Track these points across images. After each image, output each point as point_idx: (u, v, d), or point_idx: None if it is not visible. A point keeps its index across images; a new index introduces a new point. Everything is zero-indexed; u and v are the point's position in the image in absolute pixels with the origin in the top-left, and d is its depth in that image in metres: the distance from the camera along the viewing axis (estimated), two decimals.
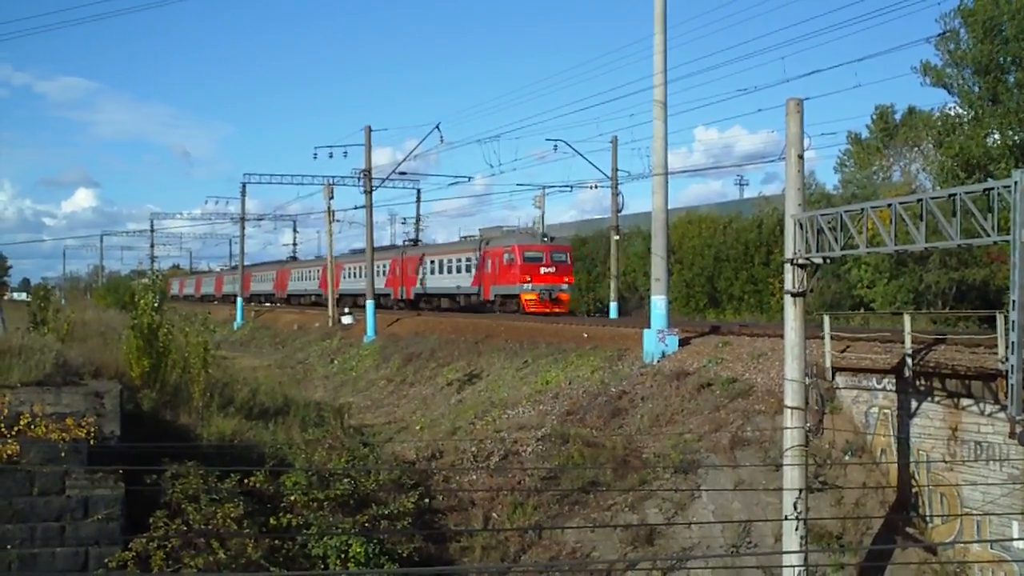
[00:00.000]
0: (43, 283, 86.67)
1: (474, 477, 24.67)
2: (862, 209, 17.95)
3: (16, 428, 17.49)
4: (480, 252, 58.63)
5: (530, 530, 22.08)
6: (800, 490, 18.49)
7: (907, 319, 23.01)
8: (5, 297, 44.47)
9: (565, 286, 54.36)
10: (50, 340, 23.18)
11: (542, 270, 53.43)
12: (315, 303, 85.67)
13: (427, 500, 22.43)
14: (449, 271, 62.52)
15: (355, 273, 75.87)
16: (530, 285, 52.90)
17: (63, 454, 17.17)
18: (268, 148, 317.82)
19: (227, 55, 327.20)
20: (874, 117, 62.38)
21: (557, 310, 52.71)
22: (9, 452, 17.06)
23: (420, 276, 66.23)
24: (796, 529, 18.42)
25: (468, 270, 60.37)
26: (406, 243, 76.90)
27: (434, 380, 41.67)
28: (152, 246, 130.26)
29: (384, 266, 71.59)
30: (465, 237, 65.14)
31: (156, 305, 27.00)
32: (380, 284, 69.05)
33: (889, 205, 17.37)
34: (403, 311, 65.22)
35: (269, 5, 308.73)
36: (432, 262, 65.31)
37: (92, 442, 17.61)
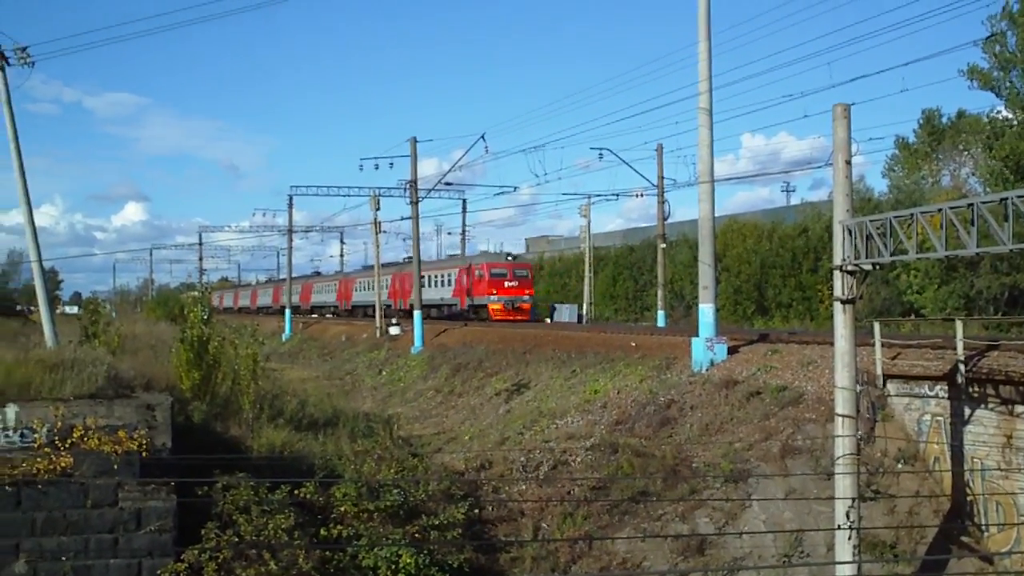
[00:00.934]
0: (94, 297, 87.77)
1: (523, 487, 24.63)
2: (911, 214, 17.79)
3: (69, 441, 17.70)
4: (458, 269, 68.37)
5: (580, 540, 22.02)
6: (852, 499, 18.33)
7: (959, 325, 22.78)
8: (57, 311, 45.18)
9: (526, 297, 64.68)
10: (101, 353, 23.45)
11: (506, 284, 63.56)
12: (334, 313, 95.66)
13: (477, 510, 22.44)
14: (435, 285, 71.04)
15: (365, 287, 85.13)
16: (496, 296, 62.86)
17: (116, 466, 17.35)
18: (315, 160, 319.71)
19: (273, 69, 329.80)
20: (921, 121, 61.84)
21: (519, 318, 62.18)
22: (63, 465, 17.26)
23: (411, 290, 69.61)
24: (849, 538, 18.25)
25: (449, 284, 69.82)
26: (405, 260, 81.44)
27: (482, 390, 41.67)
28: (200, 259, 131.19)
29: (386, 281, 78.89)
30: (450, 256, 73.81)
31: (205, 318, 27.25)
32: (384, 296, 76.87)
33: (939, 210, 17.23)
34: (450, 321, 65.72)
35: (315, 19, 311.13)
36: (423, 277, 69.19)
37: (144, 454, 17.78)
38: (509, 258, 68.01)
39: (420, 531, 19.93)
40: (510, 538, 22.45)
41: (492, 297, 63.01)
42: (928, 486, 22.32)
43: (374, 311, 74.52)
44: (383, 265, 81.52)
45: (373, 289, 78.45)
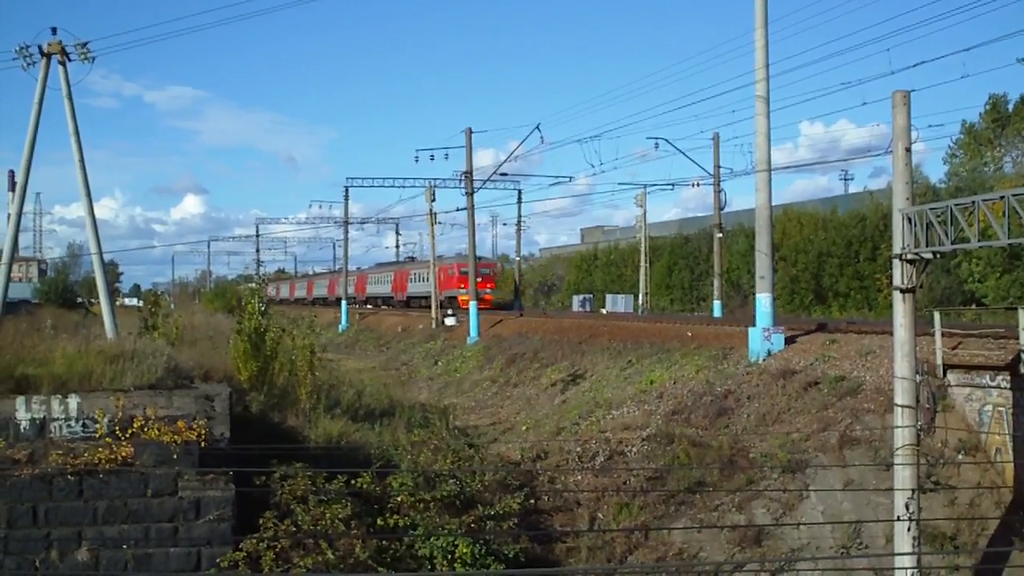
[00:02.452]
0: (153, 289, 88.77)
1: (579, 477, 24.62)
2: (973, 202, 17.52)
3: (130, 431, 17.92)
4: (439, 268, 78.61)
5: (636, 531, 21.98)
6: (912, 490, 18.12)
7: (1021, 314, 22.45)
8: (116, 303, 45.79)
9: (488, 290, 75.97)
10: (161, 344, 23.69)
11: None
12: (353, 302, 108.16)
13: (533, 501, 22.45)
14: (423, 280, 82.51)
15: (375, 281, 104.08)
16: (464, 289, 71.71)
17: (175, 456, 17.52)
18: (371, 152, 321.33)
19: (329, 61, 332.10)
20: (987, 107, 60.94)
21: (483, 306, 68.64)
22: (123, 454, 17.47)
23: (408, 284, 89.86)
24: (908, 530, 18.05)
25: (431, 280, 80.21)
26: (405, 260, 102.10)
27: (538, 380, 41.69)
28: (257, 251, 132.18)
29: (389, 277, 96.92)
30: (439, 257, 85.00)
31: (262, 309, 27.44)
32: (387, 289, 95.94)
33: (1002, 197, 16.94)
34: (504, 312, 66.27)
35: (369, 10, 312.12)
36: (413, 274, 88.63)
37: (203, 444, 17.95)
38: (485, 257, 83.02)
39: (476, 521, 19.96)
40: (566, 528, 22.45)
41: (461, 290, 73.57)
42: (989, 477, 22.04)
43: (382, 301, 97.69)
44: (387, 264, 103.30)
45: (380, 283, 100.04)
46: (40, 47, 31.84)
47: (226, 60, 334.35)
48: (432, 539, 18.86)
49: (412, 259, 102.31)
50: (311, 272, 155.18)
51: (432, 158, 63.14)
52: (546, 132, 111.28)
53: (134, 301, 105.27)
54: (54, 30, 32.11)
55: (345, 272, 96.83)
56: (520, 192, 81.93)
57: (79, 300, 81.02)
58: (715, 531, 21.64)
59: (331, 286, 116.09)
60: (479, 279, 72.40)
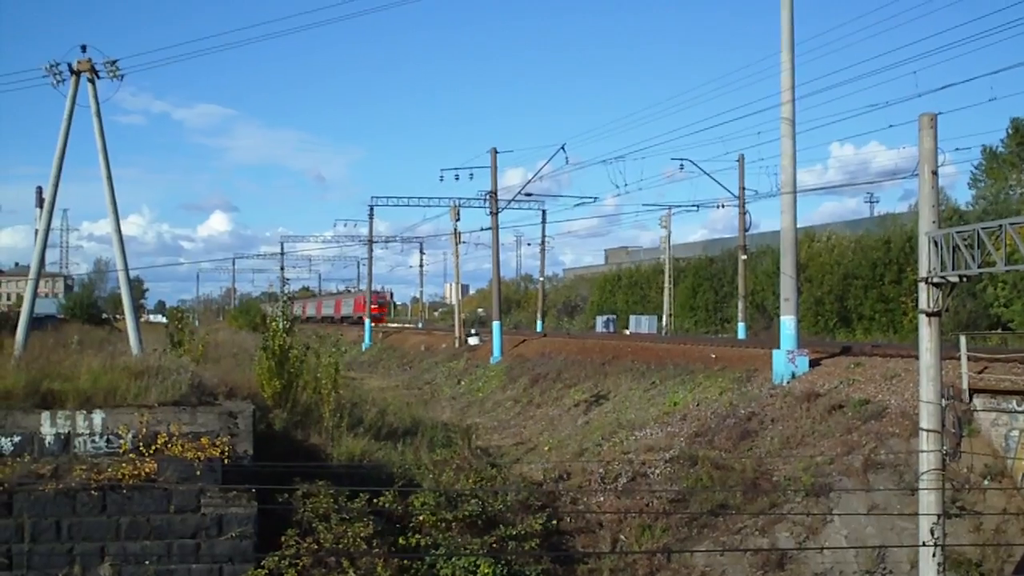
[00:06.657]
0: (179, 306, 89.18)
1: (602, 499, 24.52)
2: (1000, 225, 17.41)
3: (154, 447, 17.99)
4: (355, 297, 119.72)
5: (659, 553, 21.87)
6: (937, 515, 17.98)
7: None
8: (142, 319, 45.94)
9: (384, 313, 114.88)
10: (185, 361, 23.79)
11: (373, 305, 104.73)
12: (317, 320, 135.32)
13: (555, 522, 22.38)
14: (348, 305, 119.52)
15: (327, 306, 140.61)
16: (369, 312, 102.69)
17: (198, 472, 17.58)
18: (399, 170, 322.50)
19: (357, 80, 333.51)
20: (1009, 131, 60.66)
21: (382, 321, 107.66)
22: (147, 470, 17.54)
23: (342, 308, 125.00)
24: (933, 556, 17.89)
25: (352, 304, 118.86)
26: (347, 290, 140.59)
27: (561, 401, 41.62)
28: (282, 269, 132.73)
29: (334, 302, 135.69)
30: (358, 288, 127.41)
31: (287, 327, 27.52)
32: (332, 311, 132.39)
33: None
34: (528, 332, 66.39)
35: (396, 30, 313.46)
36: (345, 300, 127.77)
37: (226, 461, 18.00)
38: (376, 291, 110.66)
39: (498, 541, 19.93)
40: (588, 550, 22.36)
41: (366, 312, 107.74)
42: (1016, 503, 21.87)
43: (331, 319, 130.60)
44: (332, 294, 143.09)
45: (330, 308, 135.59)
46: (70, 65, 32.09)
47: (253, 79, 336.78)
48: (454, 559, 18.85)
49: (348, 291, 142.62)
50: (335, 290, 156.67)
51: (457, 178, 63.34)
52: (572, 153, 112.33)
53: (159, 318, 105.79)
54: (84, 48, 32.35)
55: (369, 288, 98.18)
56: (544, 212, 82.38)
57: (104, 316, 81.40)
58: (738, 554, 21.53)
59: (357, 304, 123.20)
60: (377, 305, 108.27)
